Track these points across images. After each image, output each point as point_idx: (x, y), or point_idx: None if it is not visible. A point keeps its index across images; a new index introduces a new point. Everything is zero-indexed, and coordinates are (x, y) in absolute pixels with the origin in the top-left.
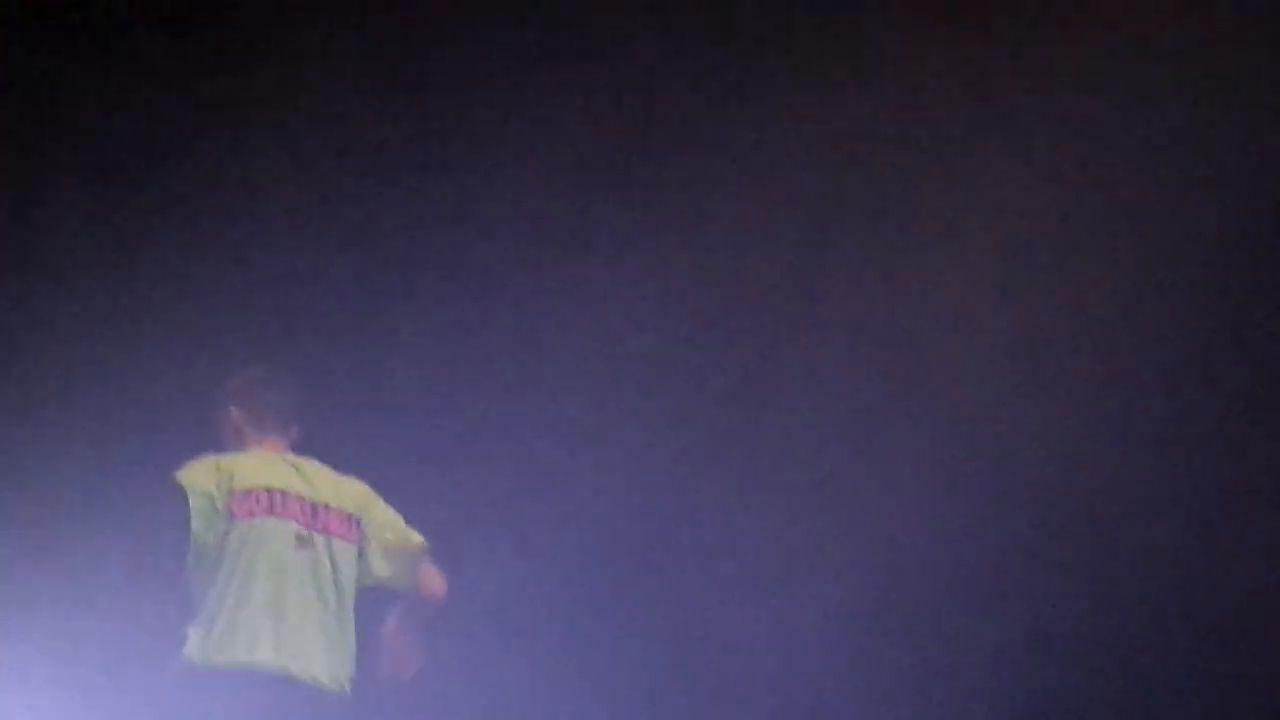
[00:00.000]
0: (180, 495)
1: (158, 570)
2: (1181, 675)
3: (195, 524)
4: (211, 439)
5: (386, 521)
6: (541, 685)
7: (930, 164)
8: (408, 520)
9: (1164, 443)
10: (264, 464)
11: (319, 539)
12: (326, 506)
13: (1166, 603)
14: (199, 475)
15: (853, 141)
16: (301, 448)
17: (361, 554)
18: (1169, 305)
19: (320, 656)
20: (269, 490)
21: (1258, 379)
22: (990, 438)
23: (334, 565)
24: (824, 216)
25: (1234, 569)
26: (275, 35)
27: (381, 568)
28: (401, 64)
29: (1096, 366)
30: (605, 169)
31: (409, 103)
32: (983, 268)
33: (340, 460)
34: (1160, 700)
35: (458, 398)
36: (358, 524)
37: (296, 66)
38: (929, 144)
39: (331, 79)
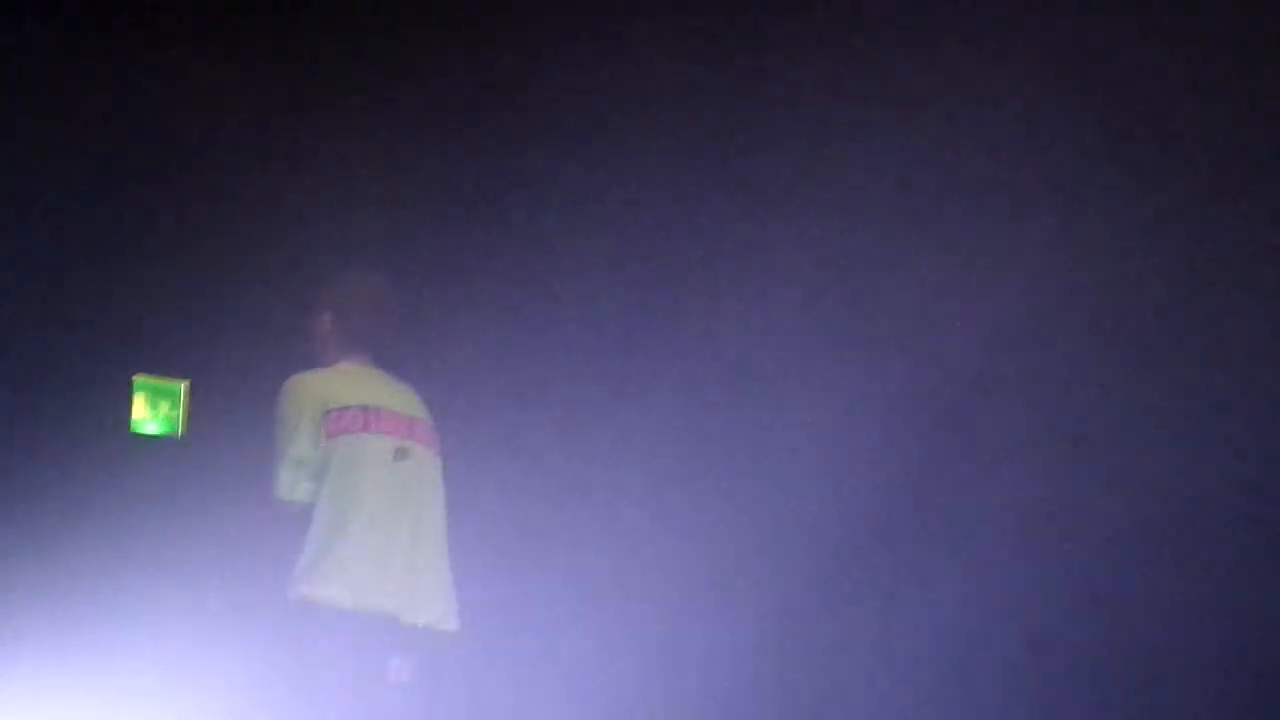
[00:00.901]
0: (286, 417)
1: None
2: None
3: (303, 446)
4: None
5: None
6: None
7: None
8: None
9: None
10: (353, 379)
11: (415, 449)
12: (418, 420)
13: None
14: (299, 394)
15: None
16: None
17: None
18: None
19: (421, 597)
20: (364, 407)
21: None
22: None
23: (430, 477)
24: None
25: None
26: None
27: None
28: None
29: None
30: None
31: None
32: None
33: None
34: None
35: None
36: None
37: None
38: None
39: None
